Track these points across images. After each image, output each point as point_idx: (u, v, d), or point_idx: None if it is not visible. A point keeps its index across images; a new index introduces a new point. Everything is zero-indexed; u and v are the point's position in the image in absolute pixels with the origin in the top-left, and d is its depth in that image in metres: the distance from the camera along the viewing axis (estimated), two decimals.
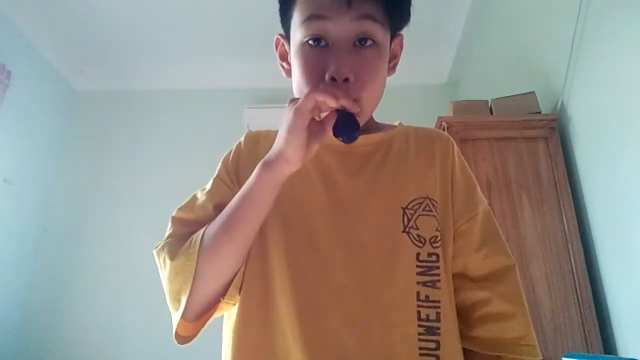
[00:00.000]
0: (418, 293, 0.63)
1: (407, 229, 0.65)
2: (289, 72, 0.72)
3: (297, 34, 0.66)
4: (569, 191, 1.49)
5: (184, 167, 2.82)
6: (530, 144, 1.56)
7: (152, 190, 2.87)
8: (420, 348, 0.60)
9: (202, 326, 0.65)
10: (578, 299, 1.36)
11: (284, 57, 0.74)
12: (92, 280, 2.77)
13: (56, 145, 3.07)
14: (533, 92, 1.66)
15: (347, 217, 0.66)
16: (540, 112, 1.63)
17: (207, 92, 3.18)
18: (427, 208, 0.67)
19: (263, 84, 2.90)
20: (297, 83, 0.67)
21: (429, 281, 0.63)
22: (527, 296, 1.36)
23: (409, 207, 0.67)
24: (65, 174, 3.05)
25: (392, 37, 0.70)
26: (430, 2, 2.57)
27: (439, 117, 1.63)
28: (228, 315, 0.67)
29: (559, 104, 1.61)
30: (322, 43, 0.63)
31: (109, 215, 2.90)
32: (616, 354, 1.29)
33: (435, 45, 2.97)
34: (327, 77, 0.61)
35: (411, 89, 2.89)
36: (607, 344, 1.32)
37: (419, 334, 0.61)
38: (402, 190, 0.69)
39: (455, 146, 0.76)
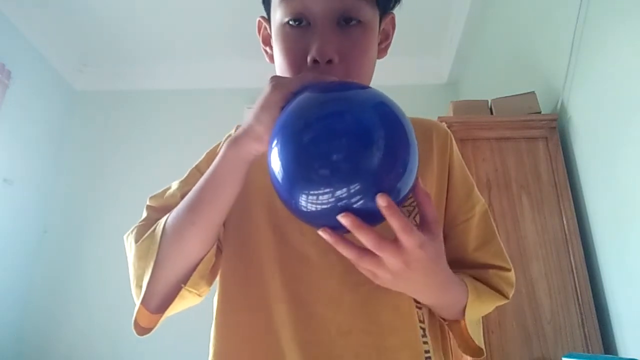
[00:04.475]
0: None
1: None
2: (272, 58, 0.66)
3: (277, 13, 0.60)
4: (569, 191, 1.49)
5: (184, 167, 2.80)
6: (530, 144, 1.56)
7: (152, 190, 2.85)
8: (425, 351, 0.58)
9: (161, 317, 0.61)
10: (578, 299, 1.36)
11: (267, 41, 0.68)
12: (92, 280, 2.77)
13: (56, 145, 3.07)
14: (533, 92, 1.66)
15: None
16: (540, 112, 1.63)
17: (207, 92, 3.18)
18: None
19: (263, 84, 2.89)
20: (279, 68, 0.62)
21: None
22: (527, 296, 1.38)
23: (406, 205, 0.62)
24: (65, 173, 3.05)
25: (382, 16, 0.64)
26: (430, 2, 2.57)
27: (438, 117, 1.63)
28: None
29: (559, 104, 1.61)
30: (304, 23, 0.58)
31: (109, 215, 2.90)
32: (616, 354, 1.29)
33: (435, 45, 2.97)
34: (309, 59, 0.56)
35: (411, 89, 2.90)
36: (607, 344, 1.32)
37: (422, 336, 0.59)
38: None
39: (454, 141, 0.71)
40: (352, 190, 0.41)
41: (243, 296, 0.61)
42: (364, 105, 0.44)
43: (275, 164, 0.44)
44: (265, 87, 0.52)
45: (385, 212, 0.42)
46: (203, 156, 0.72)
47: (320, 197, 0.42)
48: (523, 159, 1.54)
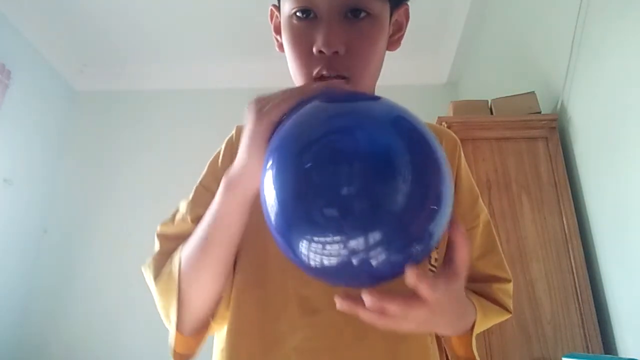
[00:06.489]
0: None
1: None
2: (281, 46, 0.66)
3: (285, 5, 0.60)
4: (569, 191, 1.49)
5: (183, 167, 2.81)
6: (530, 144, 1.56)
7: (152, 191, 2.87)
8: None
9: (201, 341, 0.62)
10: (578, 299, 1.36)
11: (278, 29, 0.67)
12: (92, 280, 2.76)
13: (56, 145, 3.07)
14: (533, 92, 1.66)
15: None
16: (540, 112, 1.63)
17: (208, 92, 3.18)
18: None
19: (263, 84, 2.88)
20: (288, 59, 0.62)
21: None
22: (527, 296, 1.38)
23: None
24: (65, 174, 3.04)
25: (394, 8, 0.63)
26: (430, 2, 2.57)
27: (438, 117, 1.63)
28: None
29: (559, 104, 1.61)
30: (311, 15, 0.58)
31: (109, 215, 2.90)
32: (616, 354, 1.29)
33: (435, 45, 2.97)
34: (314, 50, 0.56)
35: (411, 89, 2.89)
36: (607, 344, 1.32)
37: (431, 342, 0.59)
38: None
39: (462, 150, 0.72)
40: (370, 240, 0.29)
41: (253, 302, 0.61)
42: (380, 120, 0.33)
43: (269, 194, 0.33)
44: (248, 114, 0.51)
45: (412, 284, 0.37)
46: (205, 169, 0.70)
47: (328, 247, 0.30)
48: (523, 159, 1.54)
